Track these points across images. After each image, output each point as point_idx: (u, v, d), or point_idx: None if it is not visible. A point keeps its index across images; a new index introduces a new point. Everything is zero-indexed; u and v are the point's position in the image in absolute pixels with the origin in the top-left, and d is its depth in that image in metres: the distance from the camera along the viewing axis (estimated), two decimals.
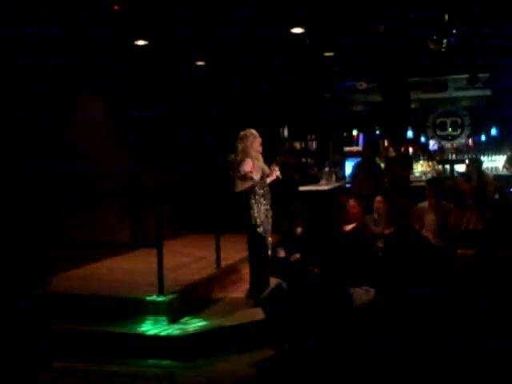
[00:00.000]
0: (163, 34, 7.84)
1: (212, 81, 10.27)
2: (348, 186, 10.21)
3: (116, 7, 6.79)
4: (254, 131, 6.55)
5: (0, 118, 6.42)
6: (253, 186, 6.40)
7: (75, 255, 7.15)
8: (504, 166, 11.31)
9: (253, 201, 6.38)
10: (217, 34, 7.94)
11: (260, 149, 6.55)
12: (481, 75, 11.20)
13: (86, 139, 7.69)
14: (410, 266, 4.76)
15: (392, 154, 11.43)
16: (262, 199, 6.43)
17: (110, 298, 6.05)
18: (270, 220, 6.53)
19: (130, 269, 7.23)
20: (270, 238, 6.52)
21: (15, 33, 6.39)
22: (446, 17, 7.32)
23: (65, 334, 5.61)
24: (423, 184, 8.23)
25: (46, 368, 5.29)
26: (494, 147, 11.80)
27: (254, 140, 6.49)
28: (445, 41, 7.41)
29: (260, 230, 6.37)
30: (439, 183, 7.67)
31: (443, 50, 7.57)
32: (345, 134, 13.63)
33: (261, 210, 6.40)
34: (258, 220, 6.37)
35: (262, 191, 6.44)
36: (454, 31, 7.46)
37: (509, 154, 11.46)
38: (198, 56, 9.50)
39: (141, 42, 8.16)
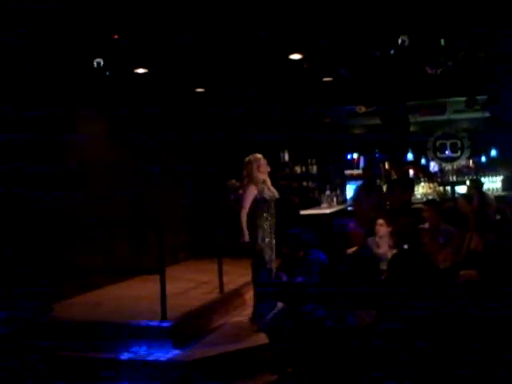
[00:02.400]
0: (163, 62, 7.93)
1: (211, 107, 10.35)
2: (349, 208, 10.22)
3: (115, 36, 6.89)
4: (258, 155, 6.61)
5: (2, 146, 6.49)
6: (260, 210, 6.44)
7: (78, 282, 7.15)
8: (503, 189, 11.35)
9: (259, 225, 6.41)
10: (216, 61, 8.04)
11: (266, 171, 6.60)
12: (479, 97, 11.27)
13: (88, 166, 7.75)
14: (413, 287, 4.75)
15: (394, 176, 11.48)
16: (266, 224, 6.45)
17: (113, 324, 6.04)
18: (274, 244, 6.54)
19: (132, 295, 7.23)
20: (273, 263, 6.52)
21: (16, 57, 6.48)
22: (443, 41, 7.41)
23: (68, 361, 5.59)
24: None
25: None
26: (493, 168, 11.86)
27: (258, 164, 6.55)
28: (441, 65, 7.48)
29: (266, 254, 6.39)
30: (437, 204, 7.69)
31: (440, 73, 7.64)
32: (348, 157, 13.68)
33: (265, 234, 6.43)
34: (263, 244, 6.39)
35: (267, 215, 6.48)
36: (451, 55, 7.53)
37: (508, 174, 11.50)
38: (198, 83, 9.59)
39: (140, 70, 8.25)
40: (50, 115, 7.13)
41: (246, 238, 6.40)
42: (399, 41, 6.93)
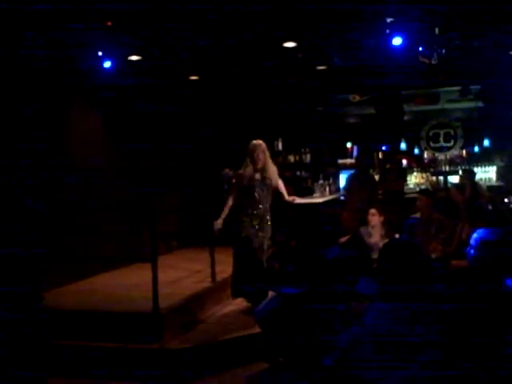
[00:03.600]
0: (156, 49, 7.88)
1: (205, 95, 10.32)
2: (342, 198, 10.24)
3: (109, 23, 6.83)
4: (253, 142, 6.66)
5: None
6: (243, 197, 6.50)
7: (69, 270, 7.13)
8: (498, 178, 11.40)
9: (241, 212, 6.49)
10: (210, 49, 8.00)
11: (262, 158, 6.59)
12: (472, 87, 11.27)
13: (81, 153, 7.72)
14: (404, 277, 4.76)
15: (387, 166, 11.49)
16: (249, 211, 6.51)
17: (105, 313, 6.04)
18: (263, 234, 6.56)
19: (124, 284, 7.22)
20: (263, 253, 6.51)
21: (11, 52, 6.43)
22: (437, 30, 7.40)
23: (59, 350, 5.58)
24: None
25: None
26: (486, 158, 11.89)
27: (253, 150, 6.59)
28: (435, 54, 7.47)
29: (253, 243, 6.42)
30: (429, 193, 7.72)
31: (434, 63, 7.63)
32: (342, 146, 13.67)
33: (246, 222, 6.50)
34: (245, 232, 6.44)
35: (249, 201, 6.53)
36: (445, 44, 7.52)
37: (500, 164, 11.55)
38: (191, 71, 9.54)
39: (134, 58, 8.19)
40: (47, 107, 7.10)
41: (217, 224, 6.64)
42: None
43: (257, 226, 6.54)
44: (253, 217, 6.54)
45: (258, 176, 6.60)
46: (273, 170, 6.77)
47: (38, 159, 6.86)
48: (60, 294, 6.73)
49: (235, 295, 6.72)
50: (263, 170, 6.62)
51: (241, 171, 6.62)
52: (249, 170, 6.59)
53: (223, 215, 6.67)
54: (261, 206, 6.58)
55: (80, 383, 5.43)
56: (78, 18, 6.39)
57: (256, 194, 6.57)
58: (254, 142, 6.68)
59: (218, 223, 6.66)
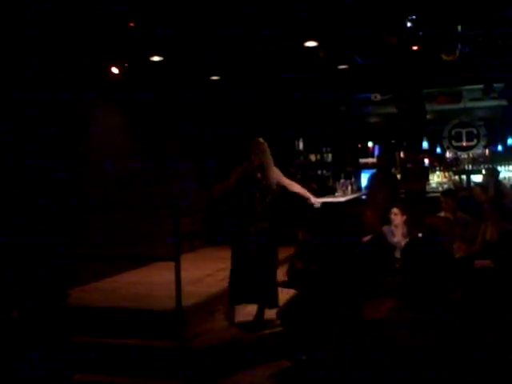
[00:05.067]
0: (178, 50, 7.93)
1: (227, 95, 10.35)
2: (364, 197, 10.21)
3: (132, 24, 6.89)
4: (255, 140, 6.45)
5: (17, 130, 6.53)
6: (229, 195, 6.41)
7: (92, 269, 7.21)
8: None
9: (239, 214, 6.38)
10: (231, 49, 8.03)
11: (261, 155, 6.33)
12: (496, 85, 11.16)
13: (103, 152, 7.79)
14: (427, 276, 4.73)
15: (409, 165, 11.43)
16: (246, 211, 6.35)
17: (128, 310, 6.10)
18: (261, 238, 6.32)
19: (147, 282, 7.29)
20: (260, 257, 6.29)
21: (29, 47, 6.52)
22: (459, 27, 7.34)
23: (84, 347, 5.65)
24: (439, 195, 8.21)
25: (67, 381, 5.32)
26: (510, 157, 11.74)
27: (250, 147, 6.40)
28: (457, 52, 7.41)
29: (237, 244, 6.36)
30: (454, 194, 7.66)
31: (456, 60, 7.57)
32: (363, 145, 13.63)
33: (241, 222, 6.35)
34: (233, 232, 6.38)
35: (249, 203, 6.35)
36: (468, 42, 7.47)
37: None
38: (213, 71, 9.59)
39: (156, 58, 8.25)
40: (70, 102, 7.18)
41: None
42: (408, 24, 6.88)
43: (255, 230, 6.26)
44: (251, 220, 6.28)
45: (257, 175, 6.32)
46: (273, 172, 6.40)
47: (57, 157, 6.95)
48: (84, 292, 6.81)
49: (233, 303, 6.38)
50: (261, 170, 6.31)
51: (239, 167, 6.39)
52: (247, 166, 6.35)
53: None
54: (259, 209, 6.30)
55: (104, 379, 5.47)
56: (101, 19, 6.49)
57: (254, 194, 6.28)
58: (255, 139, 6.44)
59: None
